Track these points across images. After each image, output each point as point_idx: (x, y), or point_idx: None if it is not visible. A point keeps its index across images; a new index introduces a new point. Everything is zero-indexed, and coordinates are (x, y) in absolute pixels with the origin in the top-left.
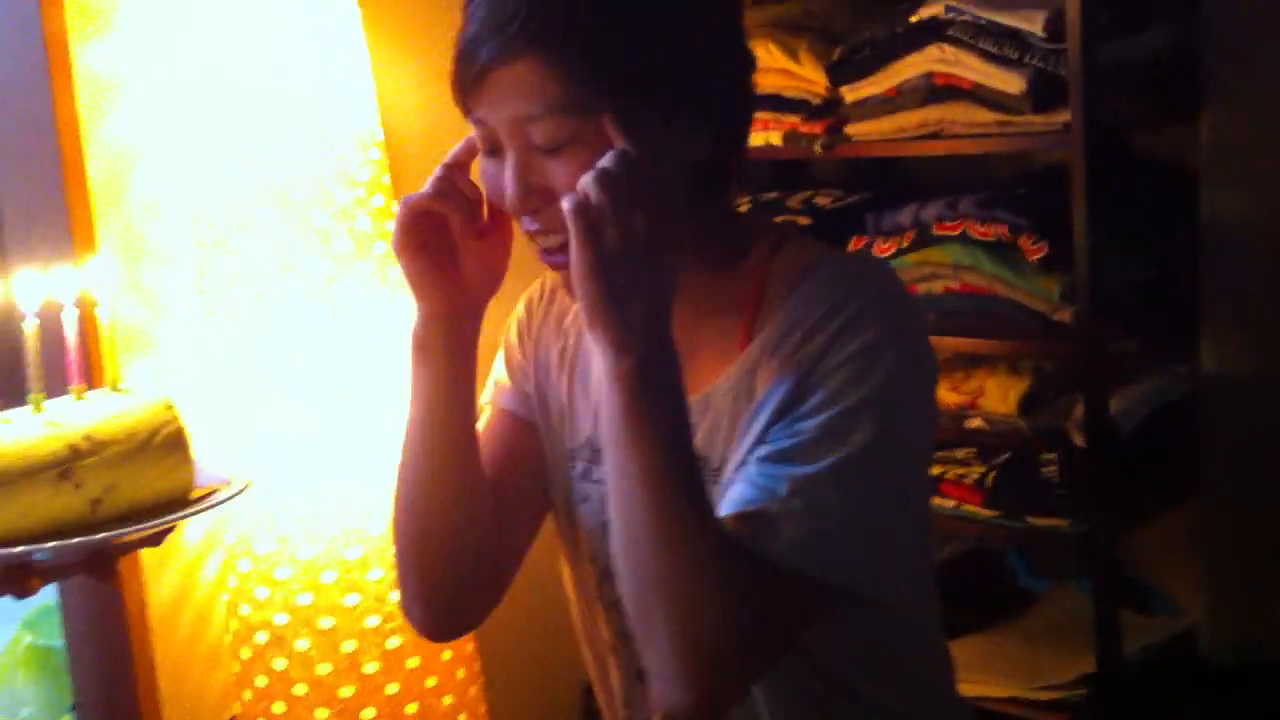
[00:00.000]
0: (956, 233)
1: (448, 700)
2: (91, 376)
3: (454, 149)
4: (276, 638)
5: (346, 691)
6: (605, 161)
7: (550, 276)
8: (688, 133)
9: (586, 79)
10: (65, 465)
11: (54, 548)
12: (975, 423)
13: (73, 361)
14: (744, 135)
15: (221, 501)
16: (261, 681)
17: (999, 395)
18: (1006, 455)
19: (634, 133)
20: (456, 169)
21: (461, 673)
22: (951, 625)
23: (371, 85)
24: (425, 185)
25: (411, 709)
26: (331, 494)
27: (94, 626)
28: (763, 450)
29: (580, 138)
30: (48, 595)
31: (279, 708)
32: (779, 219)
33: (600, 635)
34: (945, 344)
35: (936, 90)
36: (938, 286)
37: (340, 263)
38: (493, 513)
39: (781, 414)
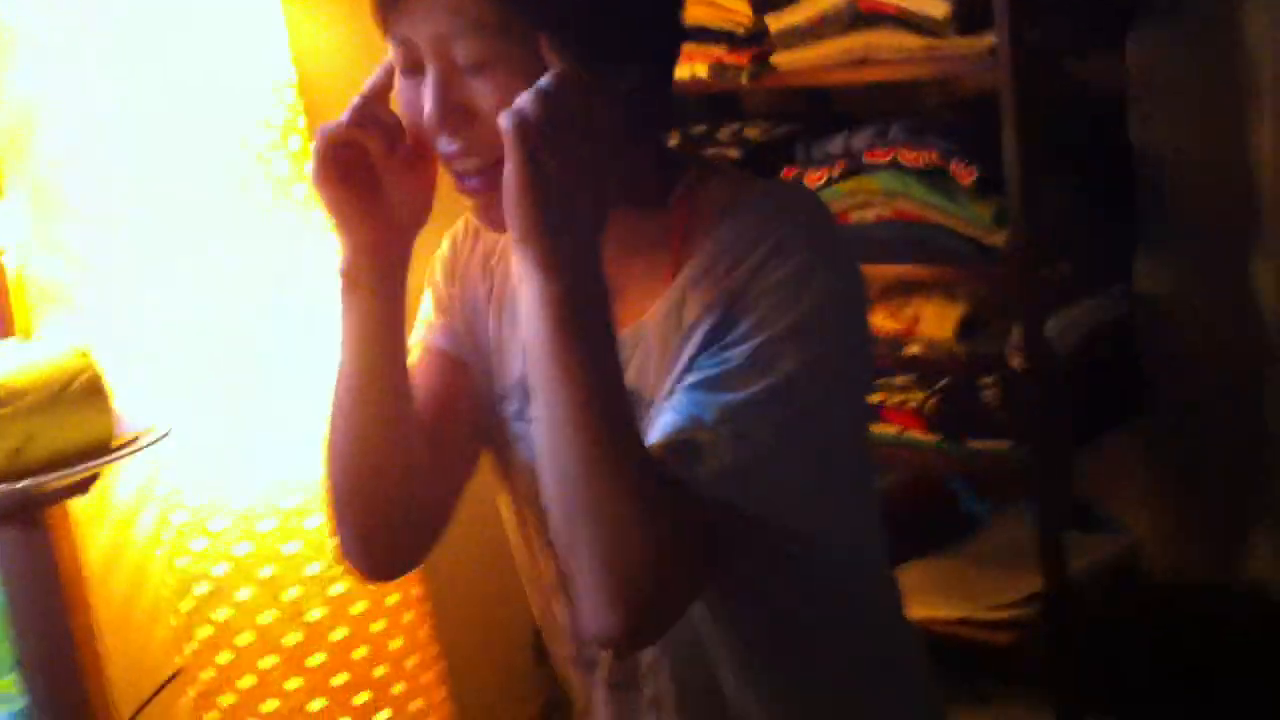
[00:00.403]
0: (887, 160)
1: (396, 643)
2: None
3: (371, 77)
4: (217, 589)
5: (292, 639)
6: (545, 82)
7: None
8: (618, 63)
9: (517, 9)
10: None
11: None
12: (914, 349)
13: None
14: (671, 68)
15: (142, 447)
16: (204, 632)
17: (936, 321)
18: (946, 380)
19: (566, 60)
20: (374, 98)
21: (409, 616)
22: (897, 553)
23: (283, 25)
24: (342, 115)
25: (360, 653)
26: (263, 442)
27: (31, 585)
28: (690, 378)
29: (505, 59)
30: None
31: (224, 658)
32: (708, 151)
33: (543, 574)
34: (880, 271)
35: (861, 16)
36: (870, 214)
37: (260, 209)
38: (427, 452)
39: (709, 343)
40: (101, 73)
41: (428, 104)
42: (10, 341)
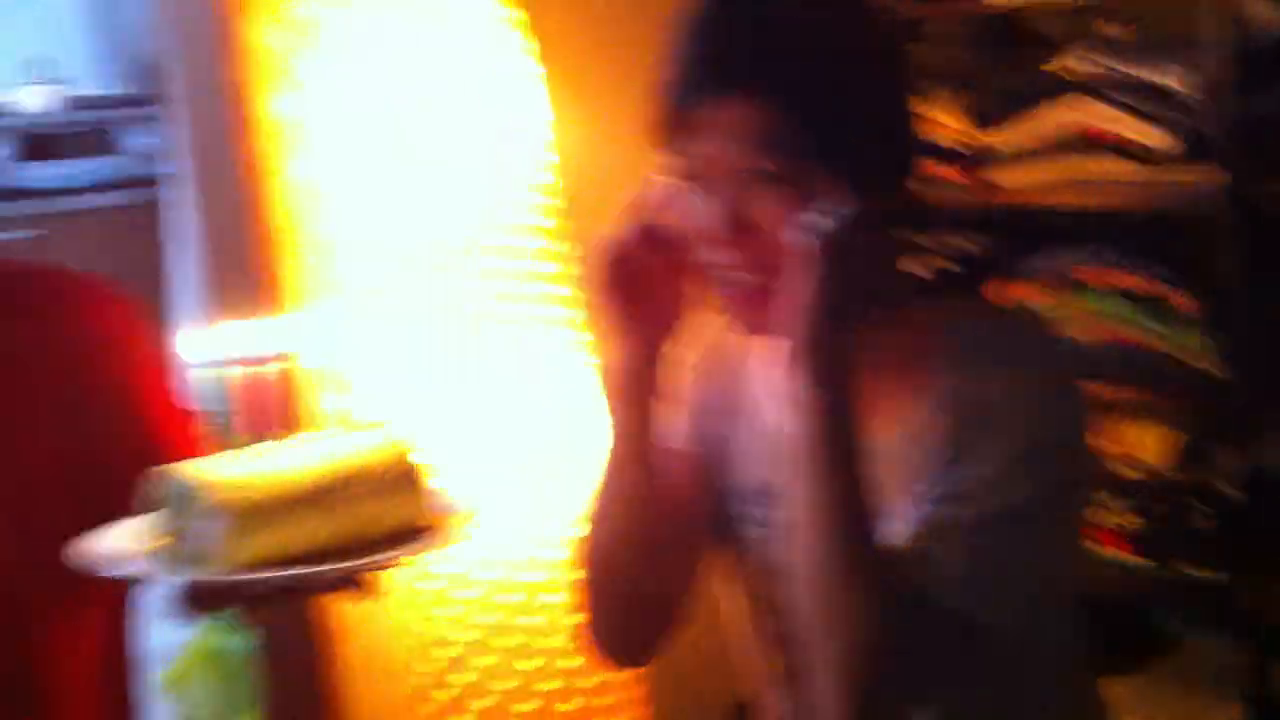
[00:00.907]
0: (1100, 280)
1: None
2: (293, 421)
3: (643, 192)
4: (459, 655)
5: (527, 708)
6: (838, 208)
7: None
8: (888, 187)
9: (799, 124)
10: (323, 496)
11: (322, 571)
12: (1128, 472)
13: (276, 408)
14: (911, 186)
15: (462, 534)
16: (440, 696)
17: (1152, 445)
18: (1158, 505)
19: (843, 182)
20: (647, 211)
21: (632, 693)
22: (1100, 668)
23: (548, 132)
24: (624, 227)
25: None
26: (517, 523)
27: (287, 635)
28: (928, 495)
29: (788, 179)
30: None
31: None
32: (915, 258)
33: (758, 669)
34: (1097, 392)
35: (1084, 141)
36: (1082, 333)
37: (525, 302)
38: (675, 541)
39: (948, 463)
40: (375, 167)
41: (708, 218)
42: (329, 431)
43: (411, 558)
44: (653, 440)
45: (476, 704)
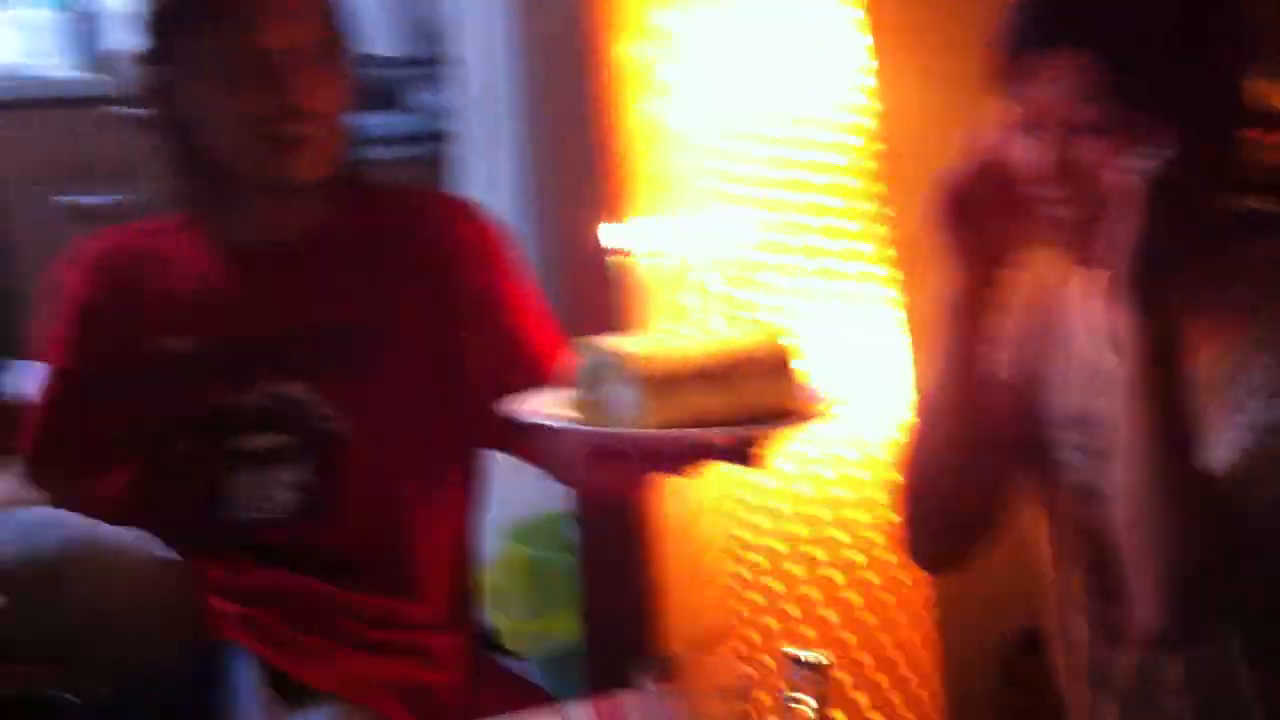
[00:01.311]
0: None
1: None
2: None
3: (983, 134)
4: (773, 560)
5: (831, 615)
6: (1166, 153)
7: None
8: (1217, 137)
9: (1127, 75)
10: (720, 374)
11: (725, 432)
12: None
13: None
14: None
15: (835, 414)
16: (758, 598)
17: None
18: None
19: (1173, 132)
20: (987, 150)
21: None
22: None
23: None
24: (958, 164)
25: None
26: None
27: (605, 537)
28: (1246, 418)
29: (1118, 126)
30: (536, 511)
31: (773, 623)
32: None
33: (1059, 593)
34: None
35: None
36: None
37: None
38: (991, 459)
39: (1270, 396)
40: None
41: (1043, 158)
42: (718, 325)
43: (794, 430)
44: (977, 365)
45: (786, 606)
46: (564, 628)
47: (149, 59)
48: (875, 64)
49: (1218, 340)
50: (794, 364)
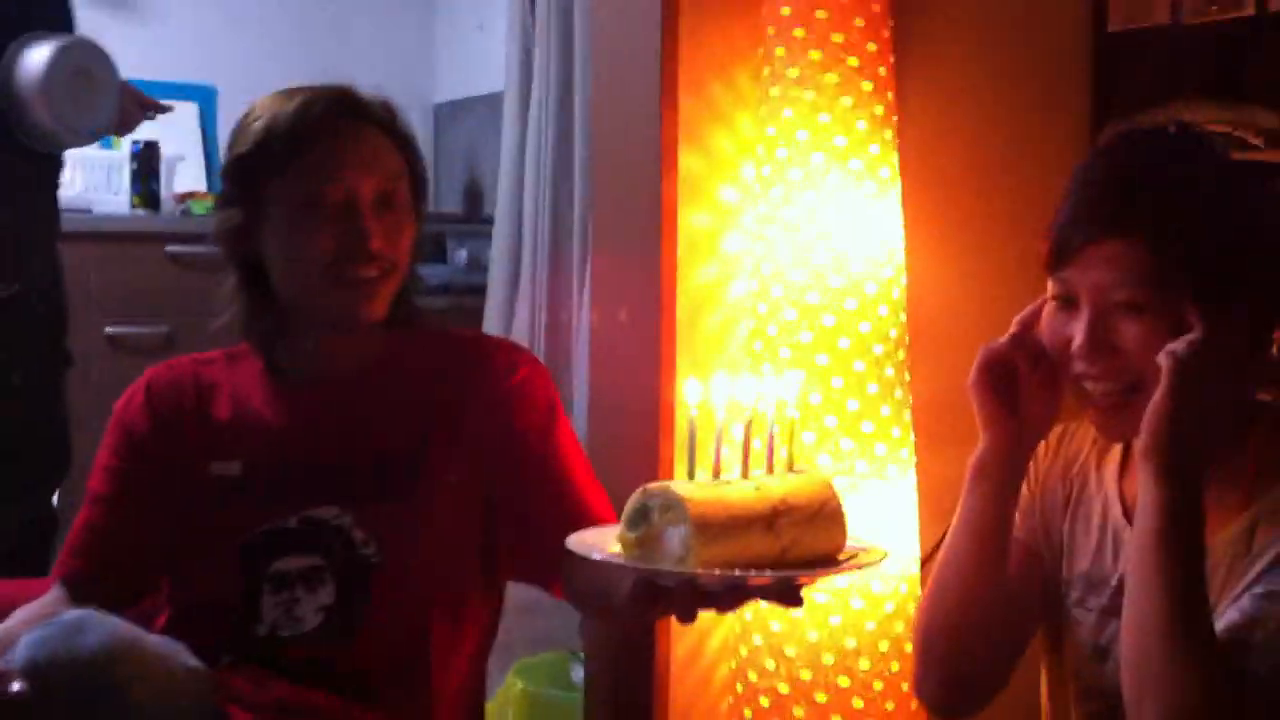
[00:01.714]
0: None
1: None
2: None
3: (1027, 308)
4: (777, 702)
5: None
6: (1197, 335)
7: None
8: (1247, 318)
9: (1171, 263)
10: (769, 520)
11: (776, 576)
12: None
13: (769, 449)
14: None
15: (873, 563)
16: None
17: None
18: None
19: (1208, 316)
20: (1027, 326)
21: None
22: None
23: (902, 252)
24: (1003, 337)
25: None
26: (835, 590)
27: (613, 673)
28: (1257, 589)
29: (1153, 308)
30: (541, 648)
31: None
32: None
33: None
34: None
35: None
36: None
37: (867, 401)
38: (1006, 616)
39: (1269, 565)
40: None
41: (1079, 336)
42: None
43: (836, 575)
44: (999, 525)
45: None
46: None
47: (228, 201)
48: (906, 240)
49: (1229, 515)
50: (839, 511)
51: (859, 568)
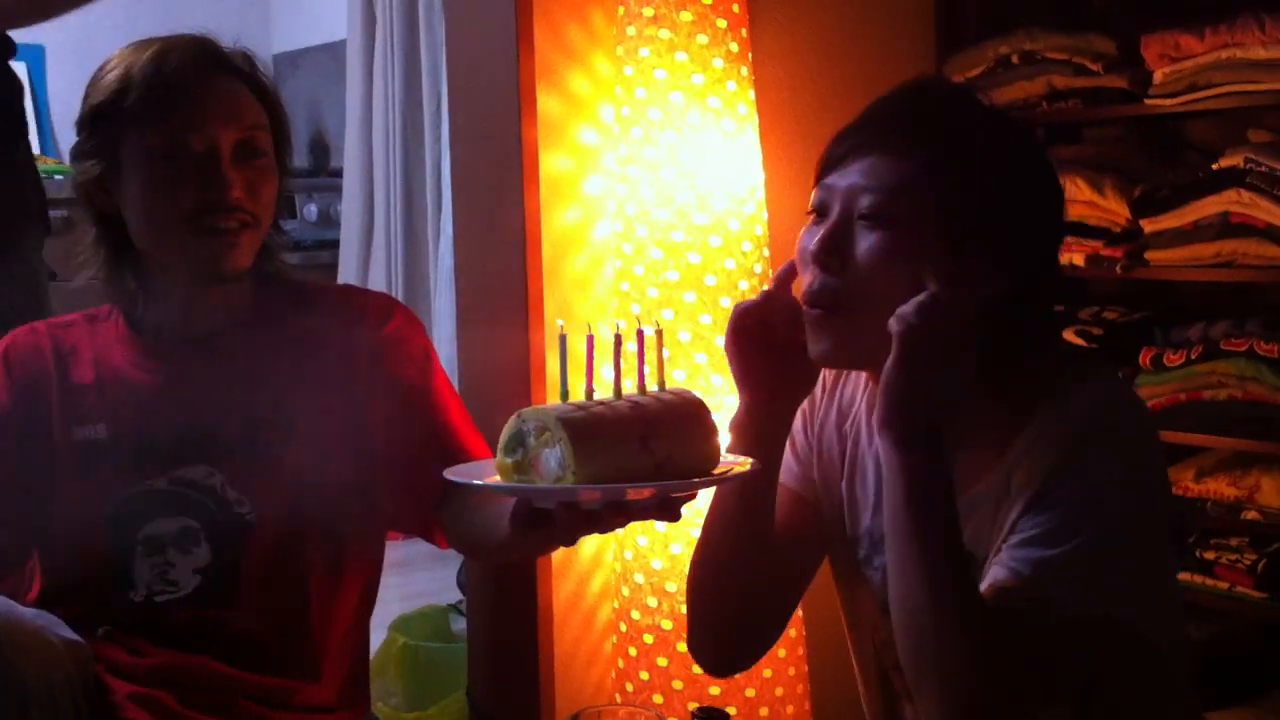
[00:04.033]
0: (1243, 349)
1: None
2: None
3: (781, 268)
4: (661, 639)
5: (714, 690)
6: (927, 298)
7: (828, 375)
8: (993, 272)
9: (921, 186)
10: (644, 436)
11: (657, 486)
12: (1251, 514)
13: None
14: (1051, 270)
15: (737, 476)
16: (645, 675)
17: (1273, 490)
18: (1278, 544)
19: (941, 273)
20: (783, 283)
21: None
22: (1218, 698)
23: (762, 188)
24: (757, 295)
25: (763, 711)
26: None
27: (497, 622)
28: (1013, 539)
29: (894, 226)
30: (418, 603)
31: (658, 698)
32: (1070, 329)
33: (877, 695)
34: (1227, 444)
35: (1230, 227)
36: (1222, 394)
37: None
38: (774, 571)
39: (1029, 509)
40: (624, 213)
41: (815, 238)
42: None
43: (712, 486)
44: (766, 484)
45: (675, 684)
46: (447, 716)
47: (84, 154)
48: (765, 176)
49: (984, 468)
50: (711, 426)
51: (733, 479)
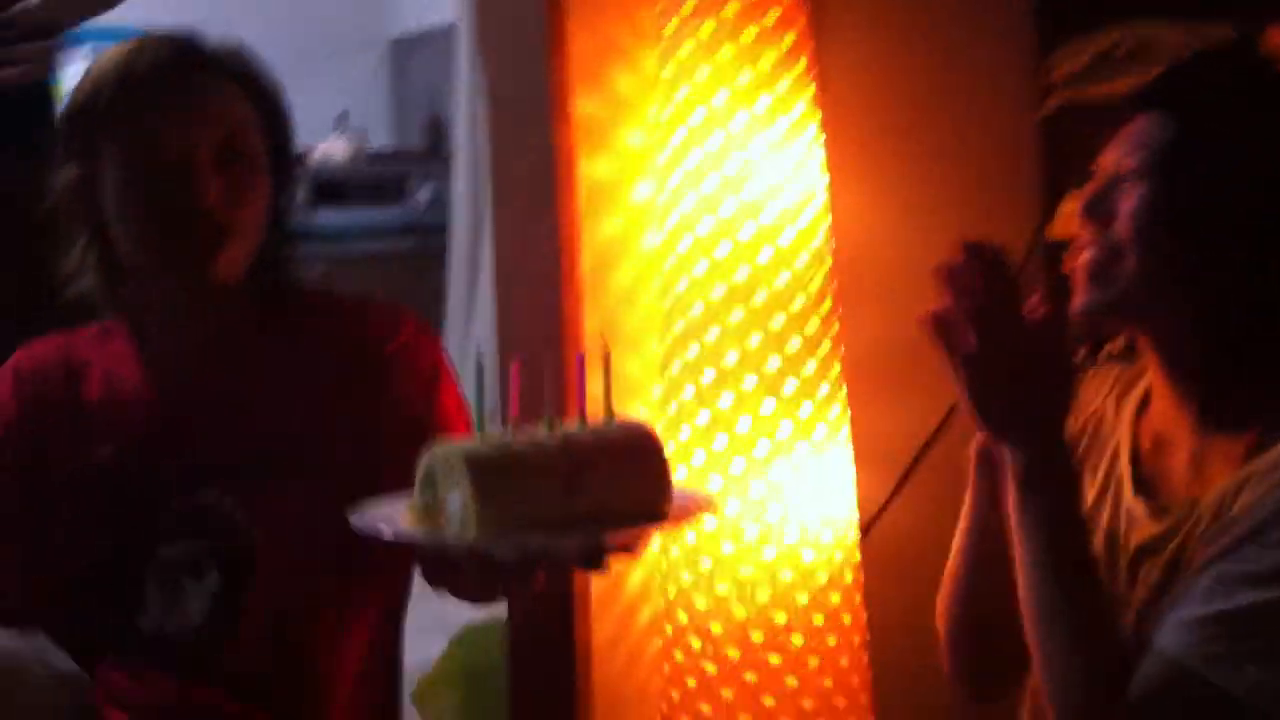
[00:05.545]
0: None
1: None
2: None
3: None
4: (705, 684)
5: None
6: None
7: None
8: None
9: (1180, 150)
10: (569, 474)
11: (569, 541)
12: None
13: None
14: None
15: (691, 521)
16: (692, 683)
17: None
18: None
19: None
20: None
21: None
22: None
23: (826, 204)
24: None
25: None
26: (762, 563)
27: (540, 655)
28: (1215, 567)
29: (1152, 180)
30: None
31: (706, 709)
32: None
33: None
34: None
35: None
36: None
37: (789, 360)
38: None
39: (1241, 542)
40: (671, 226)
41: (1084, 200)
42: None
43: (649, 533)
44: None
45: (722, 691)
46: None
47: (64, 157)
48: (831, 182)
49: (1223, 476)
50: (658, 463)
51: (669, 527)
